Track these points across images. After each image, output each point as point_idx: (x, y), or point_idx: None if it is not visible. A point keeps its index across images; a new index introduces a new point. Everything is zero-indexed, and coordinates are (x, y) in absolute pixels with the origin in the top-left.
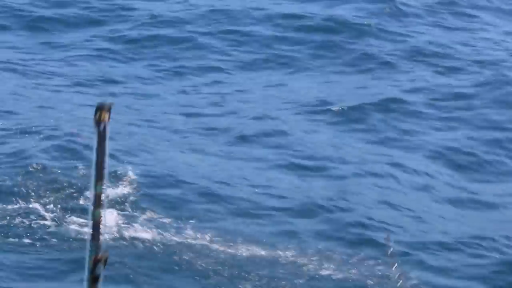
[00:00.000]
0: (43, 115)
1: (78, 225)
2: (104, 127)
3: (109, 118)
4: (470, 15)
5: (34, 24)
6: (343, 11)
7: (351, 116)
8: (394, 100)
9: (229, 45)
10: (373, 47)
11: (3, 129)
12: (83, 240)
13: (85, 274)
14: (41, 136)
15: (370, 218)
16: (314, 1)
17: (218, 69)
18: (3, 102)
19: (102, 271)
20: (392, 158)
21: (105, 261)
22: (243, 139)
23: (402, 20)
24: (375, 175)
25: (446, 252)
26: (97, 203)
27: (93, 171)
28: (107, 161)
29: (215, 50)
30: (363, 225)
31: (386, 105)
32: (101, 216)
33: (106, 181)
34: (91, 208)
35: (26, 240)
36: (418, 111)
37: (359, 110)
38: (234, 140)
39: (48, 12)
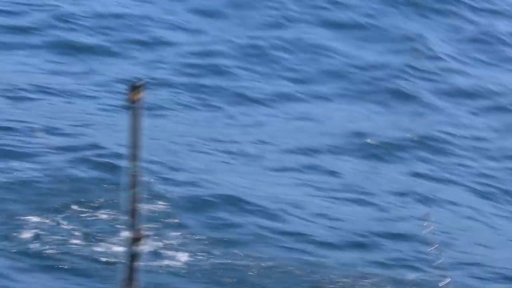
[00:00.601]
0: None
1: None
2: (138, 107)
3: (142, 97)
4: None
5: None
6: (372, 52)
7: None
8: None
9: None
10: (409, 84)
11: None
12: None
13: (125, 252)
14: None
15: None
16: (344, 40)
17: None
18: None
19: (141, 249)
20: (431, 190)
21: (144, 238)
22: (283, 166)
23: (437, 59)
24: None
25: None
26: (133, 182)
27: (128, 152)
28: (141, 141)
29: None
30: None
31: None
32: (139, 195)
33: (140, 162)
34: (128, 187)
35: (51, 252)
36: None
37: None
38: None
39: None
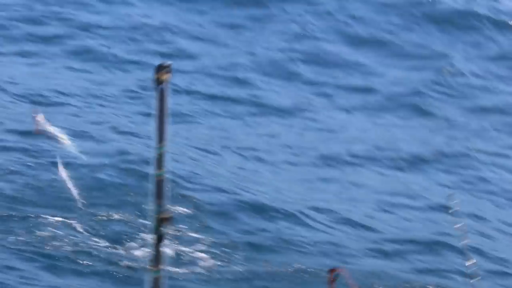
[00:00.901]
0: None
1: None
2: (164, 88)
3: (168, 79)
4: None
5: None
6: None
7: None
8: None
9: None
10: (432, 99)
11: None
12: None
13: (150, 233)
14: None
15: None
16: (365, 55)
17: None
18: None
19: (166, 230)
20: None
21: (169, 220)
22: (306, 175)
23: (460, 75)
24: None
25: None
26: (159, 164)
27: (154, 133)
28: (168, 122)
29: None
30: None
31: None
32: (164, 177)
33: (167, 143)
34: (154, 169)
35: (69, 254)
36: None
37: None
38: (299, 175)
39: None
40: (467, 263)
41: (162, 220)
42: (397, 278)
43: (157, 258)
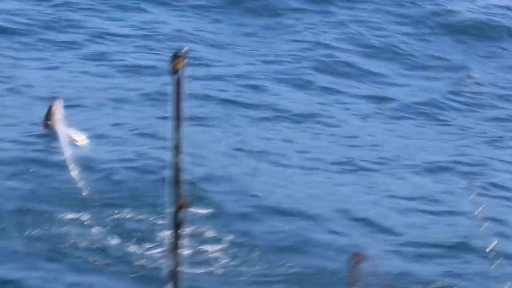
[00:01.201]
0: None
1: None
2: (181, 75)
3: (184, 65)
4: None
5: None
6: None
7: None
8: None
9: None
10: (449, 109)
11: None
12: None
13: (169, 221)
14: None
15: None
16: (378, 64)
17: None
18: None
19: (184, 217)
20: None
21: (187, 206)
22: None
23: (477, 85)
24: None
25: None
26: (176, 150)
27: (171, 120)
28: (184, 109)
29: None
30: None
31: None
32: (181, 163)
33: (183, 129)
34: (171, 155)
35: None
36: None
37: None
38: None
39: None
40: (493, 267)
41: (180, 207)
42: (419, 281)
43: (175, 244)
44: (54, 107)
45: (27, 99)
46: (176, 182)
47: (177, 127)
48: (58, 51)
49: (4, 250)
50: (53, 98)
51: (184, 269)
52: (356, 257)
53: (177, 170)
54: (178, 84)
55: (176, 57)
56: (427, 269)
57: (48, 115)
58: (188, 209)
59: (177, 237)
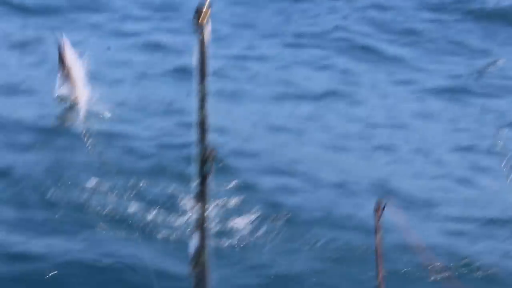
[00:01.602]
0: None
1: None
2: (205, 29)
3: (208, 19)
4: None
5: None
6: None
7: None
8: None
9: None
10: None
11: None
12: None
13: (195, 173)
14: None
15: None
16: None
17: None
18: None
19: (211, 169)
20: None
21: (213, 158)
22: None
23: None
24: None
25: None
26: (202, 103)
27: (195, 75)
28: (209, 63)
29: None
30: None
31: None
32: (207, 116)
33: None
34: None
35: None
36: None
37: None
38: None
39: None
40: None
41: (206, 160)
42: (460, 258)
43: (202, 196)
44: (62, 50)
45: (50, 72)
46: (202, 135)
47: (202, 80)
48: (82, 30)
49: (27, 221)
50: (58, 39)
51: (210, 239)
52: (380, 204)
53: (202, 123)
54: (202, 38)
55: (199, 11)
56: (469, 245)
57: (61, 60)
58: (214, 161)
59: (203, 188)
